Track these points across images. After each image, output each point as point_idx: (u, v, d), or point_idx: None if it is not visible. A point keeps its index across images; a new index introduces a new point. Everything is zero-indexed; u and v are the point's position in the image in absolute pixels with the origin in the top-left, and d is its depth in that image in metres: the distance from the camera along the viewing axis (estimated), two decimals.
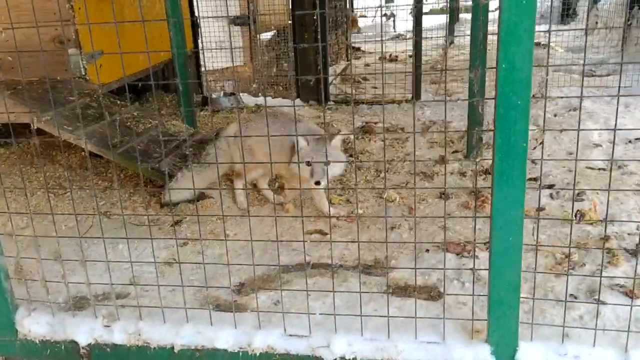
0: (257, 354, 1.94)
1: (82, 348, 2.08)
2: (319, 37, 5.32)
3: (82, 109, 3.54)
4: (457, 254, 2.43)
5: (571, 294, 2.10)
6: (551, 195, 3.01)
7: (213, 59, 8.04)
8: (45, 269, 2.14)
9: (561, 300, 1.94)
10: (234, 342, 1.97)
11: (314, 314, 1.97)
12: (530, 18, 1.43)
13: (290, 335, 1.95)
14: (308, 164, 2.62)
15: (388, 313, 1.85)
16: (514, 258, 1.66)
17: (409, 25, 11.64)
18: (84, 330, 2.08)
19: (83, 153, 4.12)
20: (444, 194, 3.09)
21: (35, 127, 3.22)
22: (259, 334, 1.96)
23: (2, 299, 2.09)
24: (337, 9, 7.52)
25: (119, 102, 3.90)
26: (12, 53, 3.78)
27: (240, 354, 1.96)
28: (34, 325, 2.12)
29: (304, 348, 1.92)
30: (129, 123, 3.65)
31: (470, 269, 2.25)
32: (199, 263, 2.40)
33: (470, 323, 1.85)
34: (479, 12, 3.25)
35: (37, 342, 2.13)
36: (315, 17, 5.45)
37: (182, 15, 4.39)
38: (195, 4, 6.47)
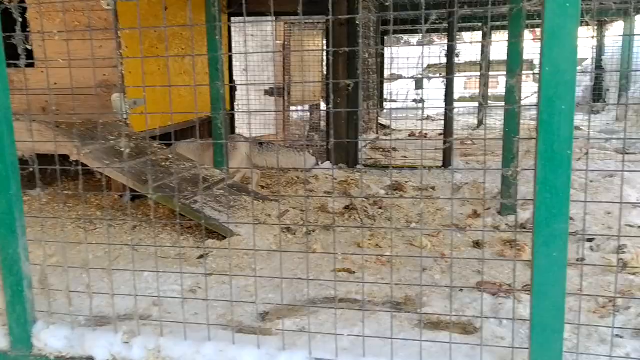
0: None
1: None
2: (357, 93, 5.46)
3: (120, 148, 3.63)
4: (493, 294, 2.31)
5: (616, 335, 1.95)
6: (591, 248, 2.89)
7: (246, 125, 8.30)
8: (71, 285, 2.11)
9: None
10: None
11: (342, 334, 1.87)
12: (574, 20, 1.44)
13: (316, 359, 1.84)
14: None
15: (421, 337, 1.75)
16: (558, 276, 1.56)
17: (439, 110, 11.91)
18: (102, 346, 2.00)
19: (115, 195, 4.18)
20: (477, 242, 3.00)
21: (74, 159, 3.33)
22: (283, 355, 1.85)
23: (22, 310, 2.04)
24: (371, 82, 7.76)
25: (155, 145, 4.00)
26: (59, 96, 3.97)
27: None
28: (51, 339, 2.05)
29: None
30: (163, 164, 3.72)
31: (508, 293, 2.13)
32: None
33: (509, 354, 1.72)
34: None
35: (52, 358, 2.05)
36: (349, 86, 5.63)
37: (222, 79, 4.59)
38: (233, 71, 6.81)
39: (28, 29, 4.07)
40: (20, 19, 1.99)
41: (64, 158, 3.59)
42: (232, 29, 7.01)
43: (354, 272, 2.69)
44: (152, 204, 2.10)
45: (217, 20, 4.06)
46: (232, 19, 6.42)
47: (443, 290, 2.42)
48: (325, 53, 6.89)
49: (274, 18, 8.44)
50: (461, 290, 2.39)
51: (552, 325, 1.58)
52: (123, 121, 4.04)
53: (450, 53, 5.61)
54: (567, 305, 2.18)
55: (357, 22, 5.48)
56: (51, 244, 3.05)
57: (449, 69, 5.54)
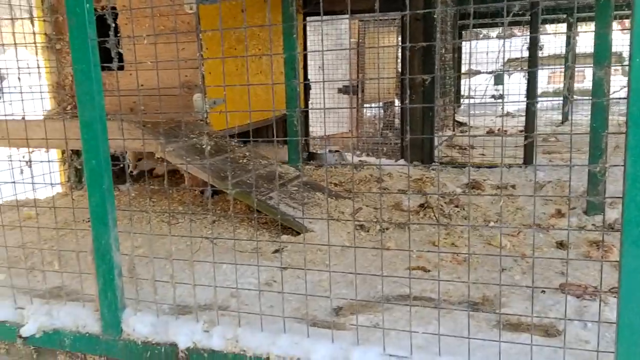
0: None
1: (181, 351, 2.10)
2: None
3: (200, 146, 3.78)
4: (578, 297, 2.21)
5: None
6: None
7: (320, 124, 8.38)
8: (156, 275, 2.23)
9: None
10: (331, 356, 1.89)
11: (417, 332, 1.85)
12: None
13: (390, 355, 1.84)
14: None
15: (500, 337, 1.70)
16: None
17: (520, 105, 11.44)
18: (184, 333, 2.10)
19: (196, 191, 4.36)
20: (561, 243, 2.87)
21: (159, 156, 3.51)
22: (357, 350, 1.87)
23: (113, 296, 2.19)
24: (447, 78, 7.59)
25: (233, 143, 4.13)
26: (145, 97, 4.19)
27: None
28: (139, 324, 2.18)
29: None
30: (241, 161, 3.83)
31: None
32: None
33: (593, 358, 1.64)
34: None
35: (139, 343, 2.18)
36: (425, 80, 5.54)
37: (298, 78, 4.65)
38: (308, 70, 6.89)
39: (119, 34, 4.33)
40: (112, 25, 2.13)
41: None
42: (307, 28, 7.10)
43: (429, 271, 2.65)
44: (231, 200, 2.16)
45: (293, 20, 4.12)
46: (308, 18, 6.50)
47: (523, 292, 2.34)
48: (400, 49, 6.81)
49: (349, 16, 8.46)
50: (543, 291, 2.29)
51: None
52: (203, 120, 4.20)
53: (533, 45, 5.38)
54: None
55: (434, 17, 5.37)
56: (138, 236, 3.23)
57: (532, 61, 5.31)
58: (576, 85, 12.63)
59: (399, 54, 7.91)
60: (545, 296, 2.26)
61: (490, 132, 8.77)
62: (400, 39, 8.41)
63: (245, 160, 3.85)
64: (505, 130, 9.00)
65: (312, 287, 2.50)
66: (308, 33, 7.55)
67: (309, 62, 7.05)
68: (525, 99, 5.74)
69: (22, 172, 3.06)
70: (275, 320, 2.06)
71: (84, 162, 2.08)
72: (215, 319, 2.13)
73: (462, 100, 12.83)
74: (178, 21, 4.17)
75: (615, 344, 1.55)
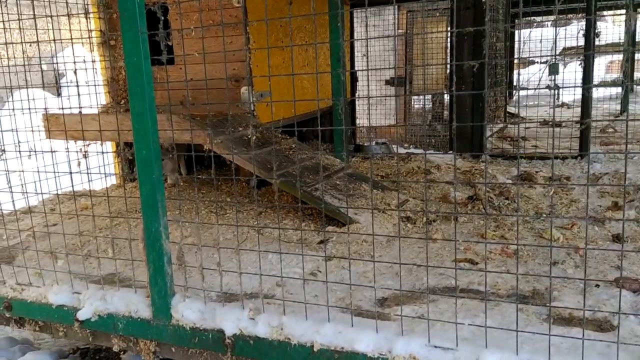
0: None
1: (228, 338, 2.14)
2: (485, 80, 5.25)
3: (247, 138, 3.83)
4: (634, 292, 2.11)
5: None
6: None
7: (367, 116, 8.34)
8: (203, 263, 2.28)
9: None
10: (374, 346, 1.88)
11: (463, 323, 1.82)
12: None
13: (435, 347, 1.81)
14: None
15: (549, 331, 1.65)
16: None
17: (576, 96, 11.00)
18: (231, 320, 2.14)
19: (243, 182, 4.43)
20: (617, 236, 2.75)
21: (208, 148, 3.57)
22: (401, 340, 1.85)
23: (163, 283, 2.25)
24: (498, 68, 7.39)
25: (280, 135, 4.16)
26: (194, 90, 4.29)
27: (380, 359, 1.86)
28: (187, 310, 2.24)
29: None
30: (287, 153, 3.86)
31: None
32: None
33: None
34: None
35: (188, 328, 2.23)
36: (474, 68, 5.40)
37: (344, 68, 4.63)
38: (356, 61, 6.85)
39: (169, 29, 4.43)
40: (162, 19, 2.18)
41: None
42: (355, 20, 7.06)
43: (477, 263, 2.59)
44: (275, 190, 2.18)
45: (339, 9, 4.10)
46: (354, 10, 6.46)
47: (577, 286, 2.26)
48: (449, 38, 6.67)
49: (394, 4, 8.35)
50: (597, 285, 2.21)
51: None
52: (250, 113, 4.25)
53: (589, 31, 5.15)
54: None
55: (483, 3, 5.23)
56: (187, 226, 3.31)
57: (587, 47, 5.08)
58: (637, 75, 12.02)
59: (448, 44, 7.75)
60: (599, 290, 2.18)
61: (545, 123, 8.49)
62: (449, 28, 8.23)
63: (291, 152, 3.88)
64: (561, 122, 8.71)
65: (356, 277, 2.50)
66: (355, 25, 7.52)
67: (356, 55, 7.02)
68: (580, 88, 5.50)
69: (79, 164, 3.19)
70: (319, 310, 2.07)
71: (135, 152, 2.15)
72: (260, 307, 2.16)
73: (513, 91, 12.49)
74: (226, 15, 4.23)
75: None
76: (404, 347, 1.83)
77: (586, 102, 5.22)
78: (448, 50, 7.97)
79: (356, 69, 6.91)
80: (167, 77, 4.41)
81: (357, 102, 6.76)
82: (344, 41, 5.68)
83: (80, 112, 3.43)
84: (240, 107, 4.26)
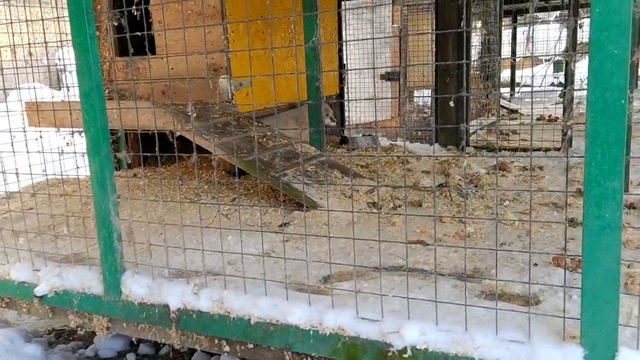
0: (327, 334, 1.87)
1: (172, 312, 2.19)
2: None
3: (222, 125, 3.89)
4: (571, 270, 2.13)
5: None
6: None
7: (357, 109, 8.37)
8: (152, 241, 2.34)
9: None
10: (307, 318, 1.93)
11: (387, 295, 1.86)
12: None
13: (362, 319, 1.85)
14: None
15: (465, 301, 1.68)
16: (611, 239, 1.41)
17: (581, 92, 10.91)
18: (176, 295, 2.20)
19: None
20: (572, 220, 2.76)
21: (178, 134, 3.63)
22: (331, 313, 1.89)
23: (113, 259, 2.31)
24: (488, 61, 7.39)
25: (256, 123, 4.21)
26: (175, 80, 4.35)
27: (311, 332, 1.91)
28: (135, 286, 2.29)
29: (374, 332, 1.81)
30: (260, 140, 3.91)
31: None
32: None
33: (568, 327, 1.59)
34: None
35: (136, 304, 2.29)
36: (457, 66, 5.42)
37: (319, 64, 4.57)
38: (345, 54, 6.87)
39: (150, 20, 4.50)
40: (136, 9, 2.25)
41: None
42: (348, 13, 7.08)
43: (428, 244, 2.63)
44: (214, 165, 2.23)
45: (314, 8, 4.10)
46: (343, 3, 6.48)
47: (517, 265, 2.29)
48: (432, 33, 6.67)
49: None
50: (535, 264, 2.23)
51: (605, 294, 1.44)
52: (229, 101, 4.30)
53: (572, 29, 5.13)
54: None
55: None
56: (157, 209, 3.38)
57: (574, 46, 5.08)
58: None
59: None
60: (537, 269, 2.20)
61: (541, 119, 8.48)
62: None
63: (264, 140, 3.93)
64: (556, 118, 8.68)
65: (309, 258, 2.53)
66: (349, 18, 7.53)
67: (349, 48, 7.03)
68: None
69: (61, 152, 3.26)
70: (262, 285, 2.11)
71: (84, 131, 2.21)
72: (205, 282, 2.21)
73: (517, 87, 12.43)
74: (205, 5, 4.28)
75: (581, 310, 1.50)
76: (334, 319, 1.88)
77: (569, 101, 5.22)
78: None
79: (347, 63, 6.94)
80: (149, 67, 4.50)
81: (346, 95, 6.78)
82: (319, 43, 5.73)
83: (63, 101, 3.51)
84: (220, 97, 4.31)
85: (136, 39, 2.29)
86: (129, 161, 4.37)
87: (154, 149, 2.22)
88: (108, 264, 2.31)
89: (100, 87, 2.18)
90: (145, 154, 2.30)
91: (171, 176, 4.55)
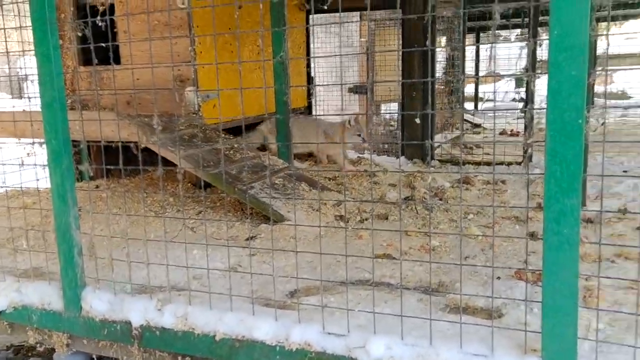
0: (294, 349, 1.86)
1: (135, 329, 2.15)
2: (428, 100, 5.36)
3: (188, 137, 3.85)
4: (532, 283, 2.18)
5: None
6: None
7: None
8: (115, 255, 2.29)
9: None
10: (273, 334, 1.91)
11: (353, 310, 1.86)
12: None
13: (329, 334, 1.85)
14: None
15: (430, 315, 1.70)
16: (569, 255, 1.46)
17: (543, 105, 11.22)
18: (139, 311, 2.15)
19: (189, 184, 4.43)
20: (532, 234, 2.83)
21: (143, 146, 3.58)
22: (298, 328, 1.89)
23: (73, 274, 2.25)
24: (453, 77, 7.54)
25: (223, 135, 4.18)
26: (140, 91, 4.29)
27: (277, 347, 1.89)
28: (96, 301, 2.24)
29: (340, 348, 1.81)
30: (227, 152, 3.89)
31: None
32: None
33: (530, 340, 1.63)
34: None
35: (97, 320, 2.23)
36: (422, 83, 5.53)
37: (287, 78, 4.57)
38: (313, 67, 6.90)
39: (115, 29, 4.44)
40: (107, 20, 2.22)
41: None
42: (317, 27, 7.12)
43: (394, 258, 2.65)
44: (180, 178, 2.22)
45: (283, 23, 4.10)
46: (311, 16, 6.51)
47: (480, 278, 2.33)
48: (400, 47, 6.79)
49: (341, 13, 8.45)
50: (498, 277, 2.28)
51: (564, 308, 1.48)
52: (196, 113, 4.27)
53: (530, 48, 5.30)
54: (613, 298, 2.02)
55: (434, 15, 5.35)
56: (120, 223, 3.31)
57: (532, 65, 5.24)
58: (601, 88, 12.34)
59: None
60: (500, 282, 2.25)
61: (503, 134, 8.69)
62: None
63: (232, 152, 3.90)
64: (518, 132, 8.91)
65: (275, 272, 2.52)
66: (317, 31, 7.59)
67: (318, 62, 7.07)
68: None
69: (22, 163, 3.17)
70: (228, 300, 2.09)
71: (45, 142, 2.16)
72: (169, 297, 2.17)
73: (480, 103, 12.71)
74: (172, 16, 4.25)
75: (541, 324, 1.54)
76: (300, 335, 1.87)
77: (529, 118, 5.36)
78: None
79: (316, 75, 6.98)
80: (114, 77, 4.43)
81: (314, 108, 6.81)
82: (287, 59, 5.76)
83: (15, 111, 3.42)
84: (186, 108, 4.27)
85: (101, 48, 2.26)
86: (92, 174, 4.27)
87: (118, 161, 2.18)
88: (68, 279, 2.25)
89: (62, 98, 2.13)
90: (108, 166, 2.25)
91: (135, 188, 4.48)
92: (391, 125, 8.44)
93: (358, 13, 9.03)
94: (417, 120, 5.01)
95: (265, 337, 1.92)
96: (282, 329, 1.91)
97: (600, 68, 1.94)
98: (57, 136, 2.12)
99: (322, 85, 7.66)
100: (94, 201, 3.90)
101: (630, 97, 12.91)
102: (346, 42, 9.03)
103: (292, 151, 4.53)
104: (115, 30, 4.42)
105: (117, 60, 4.46)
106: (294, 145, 4.63)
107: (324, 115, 6.04)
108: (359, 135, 4.55)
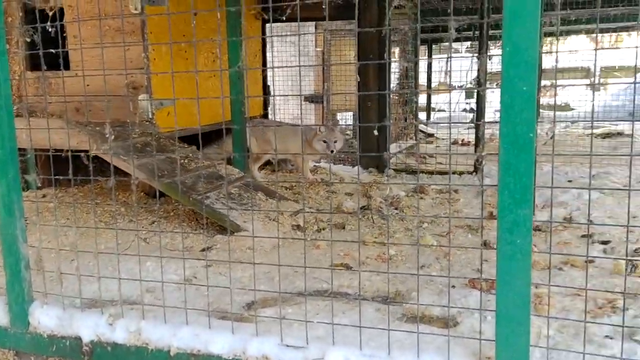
0: None
1: (85, 345, 2.07)
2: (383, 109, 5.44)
3: (141, 146, 3.76)
4: (485, 291, 2.23)
5: (607, 336, 1.84)
6: (605, 251, 2.75)
7: None
8: (64, 268, 2.20)
9: (580, 321, 1.70)
10: (229, 348, 1.88)
11: (312, 321, 1.86)
12: None
13: (287, 346, 1.83)
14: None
15: (389, 326, 1.71)
16: (522, 264, 1.50)
17: (495, 117, 11.57)
18: (89, 326, 2.08)
19: (142, 193, 4.33)
20: (485, 243, 2.91)
21: (93, 154, 3.47)
22: (255, 341, 1.86)
23: (20, 289, 2.15)
24: (408, 88, 7.69)
25: (177, 144, 4.11)
26: (90, 97, 4.16)
27: None
28: (44, 317, 2.15)
29: (299, 359, 1.79)
30: (182, 161, 3.82)
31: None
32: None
33: (484, 348, 1.66)
34: None
35: (45, 336, 2.14)
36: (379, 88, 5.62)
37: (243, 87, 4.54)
38: (270, 77, 6.88)
39: (65, 33, 4.30)
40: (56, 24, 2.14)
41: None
42: (269, 36, 7.10)
43: (351, 268, 2.66)
44: (134, 188, 2.16)
45: (238, 34, 4.06)
46: (268, 25, 6.50)
47: (436, 287, 2.37)
48: (356, 58, 6.87)
49: (298, 22, 8.50)
50: (453, 286, 2.32)
51: (518, 317, 1.52)
52: (149, 121, 4.18)
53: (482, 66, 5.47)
54: (561, 305, 2.09)
55: (387, 27, 5.44)
56: (69, 234, 3.20)
57: (480, 80, 5.40)
58: (546, 100, 12.83)
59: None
60: (455, 291, 2.29)
61: (455, 143, 8.90)
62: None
63: (186, 161, 3.84)
64: (469, 142, 9.14)
65: (232, 283, 2.49)
66: (274, 40, 7.58)
67: (274, 70, 7.05)
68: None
69: None
70: (183, 314, 2.04)
71: None
72: (121, 312, 2.11)
73: (432, 113, 13.00)
74: (125, 21, 4.16)
75: (495, 332, 1.57)
76: (258, 348, 1.84)
77: (480, 130, 5.53)
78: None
79: (273, 84, 6.96)
80: (62, 83, 4.28)
81: (270, 117, 6.80)
82: (251, 69, 5.73)
83: None
84: (139, 116, 4.18)
85: (49, 53, 2.18)
86: (39, 184, 4.11)
87: (68, 170, 2.11)
88: (15, 293, 2.15)
89: (9, 105, 2.05)
90: (57, 177, 2.17)
91: (85, 198, 4.33)
92: (347, 135, 8.51)
93: (314, 23, 9.09)
94: (375, 132, 5.08)
95: (221, 351, 1.88)
96: (239, 343, 1.88)
97: (549, 82, 2.01)
98: (3, 144, 2.03)
99: (281, 95, 7.66)
100: (41, 212, 3.75)
101: (572, 109, 13.47)
102: (302, 51, 9.07)
103: (250, 160, 4.50)
104: (64, 35, 4.29)
105: (67, 66, 4.32)
106: (274, 151, 4.63)
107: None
108: (324, 142, 4.56)
